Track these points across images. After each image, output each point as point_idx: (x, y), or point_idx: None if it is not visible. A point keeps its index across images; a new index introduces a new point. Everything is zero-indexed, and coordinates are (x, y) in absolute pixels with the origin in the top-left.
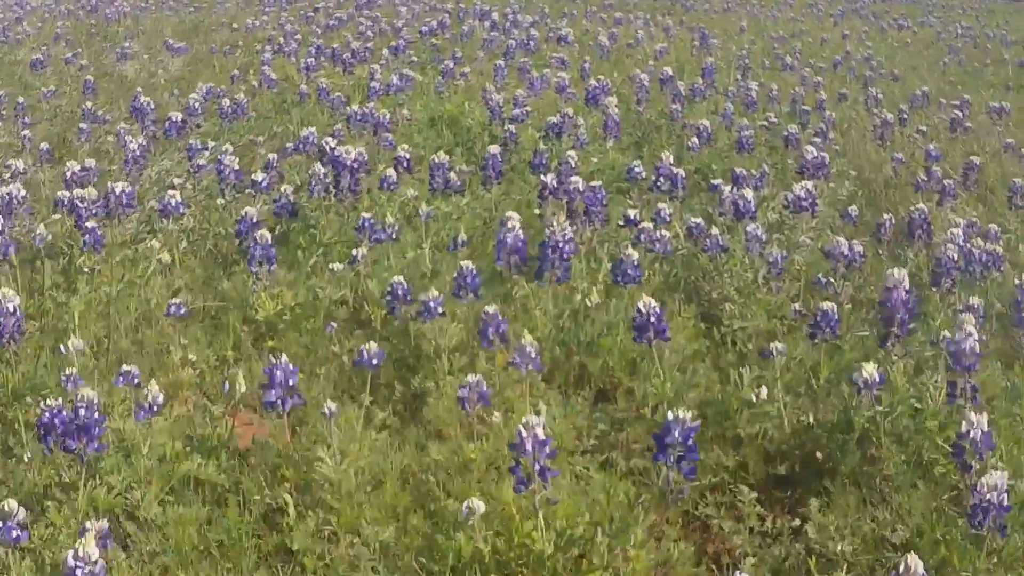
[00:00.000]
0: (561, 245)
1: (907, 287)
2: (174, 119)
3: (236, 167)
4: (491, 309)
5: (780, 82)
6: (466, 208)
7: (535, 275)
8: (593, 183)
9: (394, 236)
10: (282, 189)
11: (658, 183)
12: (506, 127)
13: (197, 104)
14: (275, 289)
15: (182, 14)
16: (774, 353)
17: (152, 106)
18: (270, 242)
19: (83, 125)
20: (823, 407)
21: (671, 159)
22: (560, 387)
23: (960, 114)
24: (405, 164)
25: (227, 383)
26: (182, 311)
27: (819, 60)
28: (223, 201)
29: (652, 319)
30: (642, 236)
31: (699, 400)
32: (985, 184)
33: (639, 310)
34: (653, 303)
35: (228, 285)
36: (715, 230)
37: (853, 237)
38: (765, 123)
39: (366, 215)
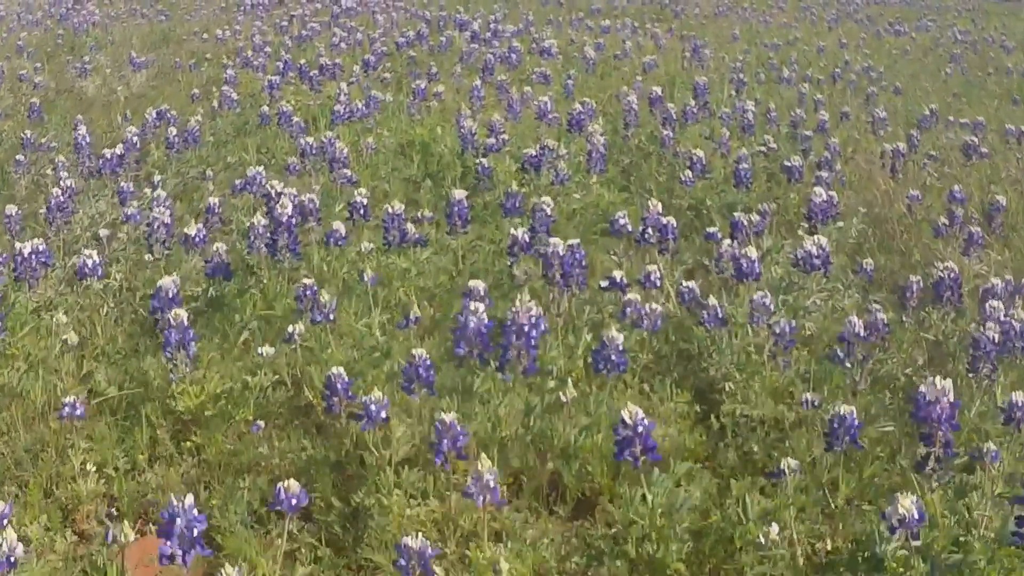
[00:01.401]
0: (527, 330)
1: (951, 399)
2: (108, 156)
3: (167, 220)
4: (447, 418)
5: (777, 98)
6: (427, 263)
7: (498, 367)
8: (571, 241)
9: (331, 316)
10: (215, 247)
11: (646, 234)
12: (479, 159)
13: (136, 138)
14: (199, 372)
15: (154, 22)
16: (785, 472)
17: (88, 140)
18: (187, 324)
19: (20, 156)
20: (843, 531)
21: (659, 208)
22: (529, 503)
23: (974, 139)
24: (361, 211)
25: (109, 530)
26: (78, 411)
27: (817, 71)
28: (153, 257)
29: (639, 433)
30: (628, 310)
31: (695, 528)
32: (1011, 225)
33: (623, 422)
34: (640, 415)
35: (151, 362)
36: (712, 300)
37: (868, 292)
38: (763, 148)
39: (307, 281)
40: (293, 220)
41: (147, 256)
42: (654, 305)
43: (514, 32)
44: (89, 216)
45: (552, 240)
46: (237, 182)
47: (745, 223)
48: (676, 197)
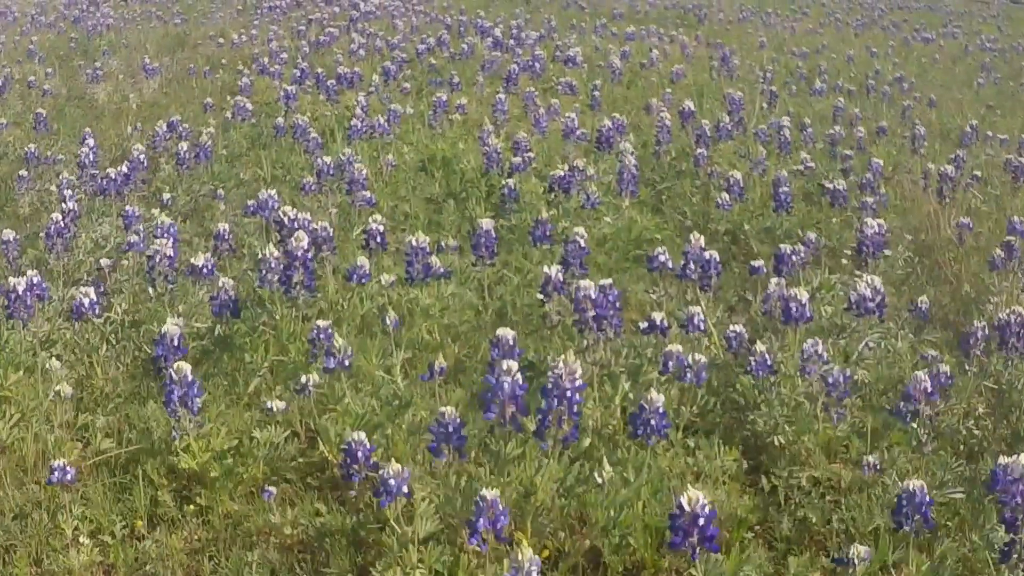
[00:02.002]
0: (571, 394)
1: None
2: (113, 176)
3: (170, 252)
4: (489, 495)
5: (810, 111)
6: (451, 299)
7: (535, 432)
8: (603, 282)
9: (347, 363)
10: (222, 283)
11: (687, 270)
12: (505, 180)
13: (143, 156)
14: (206, 425)
15: (169, 25)
16: (855, 562)
17: (94, 155)
18: (190, 378)
19: (23, 172)
20: None
21: (702, 242)
22: None
23: (1021, 160)
24: (378, 238)
25: None
26: (68, 476)
27: (848, 81)
28: (155, 292)
29: (698, 522)
30: (669, 363)
31: None
32: None
33: (681, 507)
34: (701, 501)
35: (153, 408)
36: (760, 346)
37: (923, 333)
38: (801, 167)
39: (321, 324)
40: (309, 255)
41: (149, 290)
42: (698, 356)
43: (537, 38)
44: (93, 240)
45: (583, 283)
46: (250, 203)
47: (790, 255)
48: (712, 221)
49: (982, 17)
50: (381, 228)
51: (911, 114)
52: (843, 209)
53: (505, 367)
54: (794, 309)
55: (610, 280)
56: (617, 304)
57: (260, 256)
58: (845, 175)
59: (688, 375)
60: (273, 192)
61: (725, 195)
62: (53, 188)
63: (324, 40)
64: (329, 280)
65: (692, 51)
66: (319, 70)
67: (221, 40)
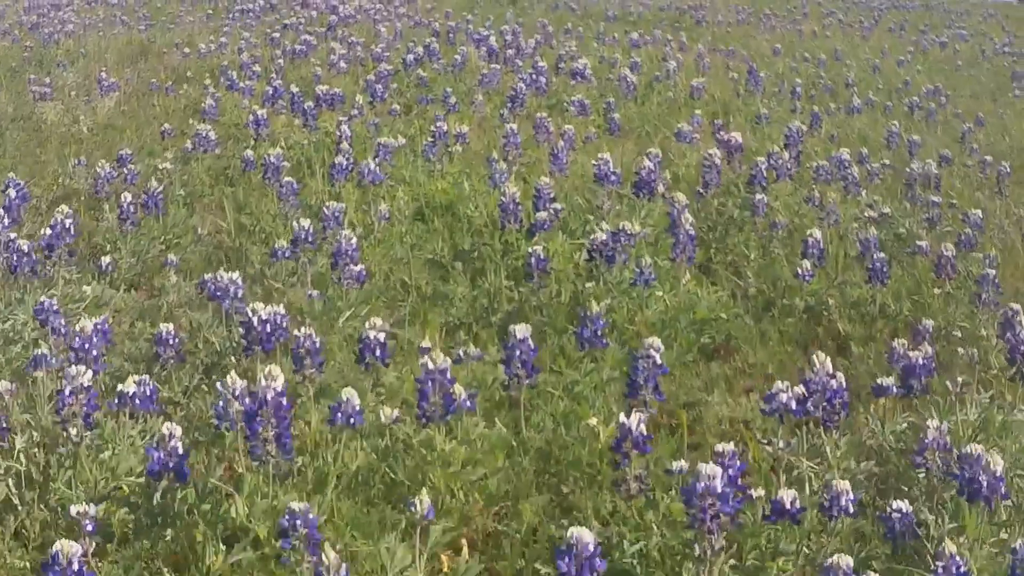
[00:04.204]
0: None
1: None
2: (26, 250)
3: (86, 382)
4: None
5: (852, 131)
6: (480, 443)
7: None
8: (714, 473)
9: None
10: (165, 431)
11: (807, 404)
12: (529, 246)
13: (69, 221)
14: None
15: (133, 32)
16: None
17: (10, 219)
18: None
19: None
20: None
21: (828, 366)
22: None
23: None
24: (377, 351)
25: None
26: None
27: (879, 93)
28: (65, 450)
29: None
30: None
31: None
32: None
33: None
34: None
35: None
36: (951, 548)
37: None
38: (872, 212)
39: (296, 507)
40: (284, 402)
41: (60, 446)
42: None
43: (535, 46)
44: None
45: (705, 469)
46: (207, 278)
47: (921, 365)
48: (784, 291)
49: (980, 16)
50: (381, 337)
51: (971, 139)
52: (950, 280)
53: None
54: (984, 483)
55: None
56: (741, 485)
57: (214, 401)
58: (931, 226)
59: None
60: (235, 277)
61: (806, 263)
62: None
63: (300, 49)
64: (312, 411)
65: (708, 61)
66: (294, 87)
67: (187, 49)
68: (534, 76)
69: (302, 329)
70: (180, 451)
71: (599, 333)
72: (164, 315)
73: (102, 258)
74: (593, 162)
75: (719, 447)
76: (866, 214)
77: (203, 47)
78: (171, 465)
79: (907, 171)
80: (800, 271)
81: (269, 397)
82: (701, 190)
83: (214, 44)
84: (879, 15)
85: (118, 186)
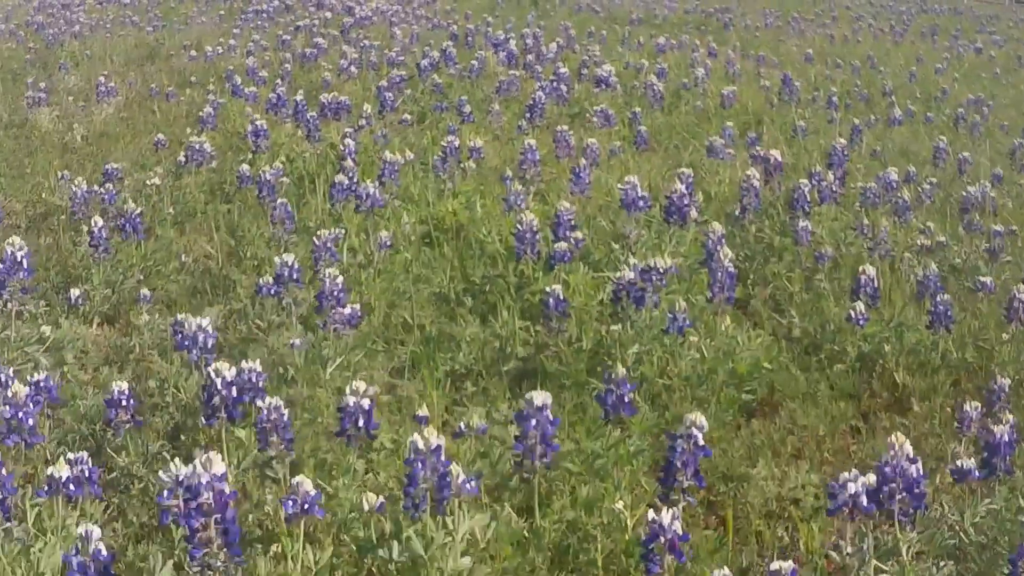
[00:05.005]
0: None
1: None
2: None
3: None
4: None
5: (895, 147)
6: (484, 536)
7: None
8: None
9: None
10: (81, 530)
11: (879, 496)
12: (548, 284)
13: (21, 254)
14: None
15: (143, 32)
16: None
17: None
18: None
19: None
20: None
21: (907, 449)
22: None
23: None
24: (359, 421)
25: None
26: None
27: (916, 103)
28: None
29: None
30: None
31: None
32: None
33: None
34: None
35: None
36: None
37: None
38: (925, 240)
39: None
40: (226, 490)
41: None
42: None
43: (556, 50)
44: None
45: None
46: (178, 319)
47: (1006, 441)
48: (837, 338)
49: (1011, 21)
50: (365, 404)
51: (1021, 155)
52: (1017, 321)
53: None
54: None
55: None
56: None
57: (164, 494)
58: (993, 258)
59: None
60: (205, 324)
61: (860, 305)
62: None
63: (311, 53)
64: (278, 496)
65: (738, 67)
66: (299, 95)
67: (195, 52)
68: (555, 83)
69: (270, 406)
70: (104, 554)
71: (626, 399)
72: (134, 359)
73: (71, 290)
74: (619, 186)
75: (774, 567)
76: (919, 242)
77: (210, 50)
78: (93, 574)
79: (963, 195)
80: (853, 314)
81: (204, 488)
82: (737, 212)
83: (223, 47)
84: (908, 19)
85: (96, 206)
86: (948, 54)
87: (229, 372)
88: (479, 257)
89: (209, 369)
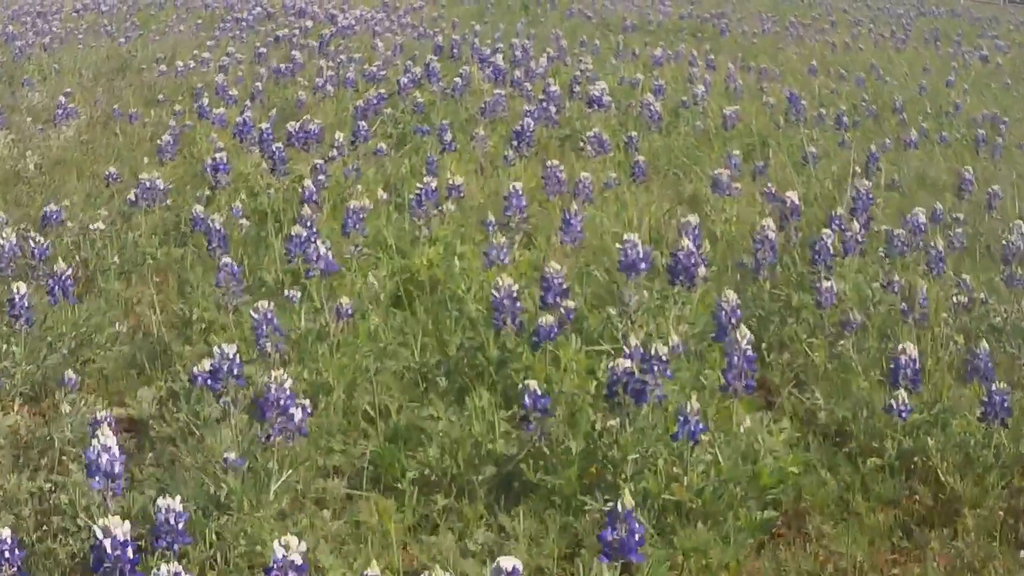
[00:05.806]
0: None
1: None
2: None
3: None
4: None
5: (913, 174)
6: None
7: None
8: None
9: None
10: None
11: None
12: (532, 380)
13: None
14: None
15: (116, 40)
16: None
17: None
18: None
19: None
20: None
21: None
22: None
23: None
24: None
25: None
26: None
27: (928, 119)
28: None
29: None
30: None
31: None
32: None
33: None
34: None
35: None
36: None
37: None
38: (961, 297)
39: None
40: None
41: None
42: None
43: (546, 63)
44: None
45: None
46: (99, 417)
47: None
48: (869, 425)
49: (1011, 24)
50: (298, 560)
51: None
52: None
53: None
54: None
55: None
56: None
57: None
58: None
59: None
60: (109, 443)
61: (902, 394)
62: None
63: (286, 68)
64: None
65: (740, 83)
66: (270, 116)
67: (166, 67)
68: (544, 103)
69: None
70: None
71: (635, 538)
72: (47, 464)
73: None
74: (618, 246)
75: None
76: (954, 299)
77: (181, 64)
78: None
79: (1002, 244)
80: (895, 404)
81: None
82: (747, 262)
83: (196, 60)
84: (908, 22)
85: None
86: (954, 63)
87: (121, 529)
88: (456, 320)
89: (96, 527)
